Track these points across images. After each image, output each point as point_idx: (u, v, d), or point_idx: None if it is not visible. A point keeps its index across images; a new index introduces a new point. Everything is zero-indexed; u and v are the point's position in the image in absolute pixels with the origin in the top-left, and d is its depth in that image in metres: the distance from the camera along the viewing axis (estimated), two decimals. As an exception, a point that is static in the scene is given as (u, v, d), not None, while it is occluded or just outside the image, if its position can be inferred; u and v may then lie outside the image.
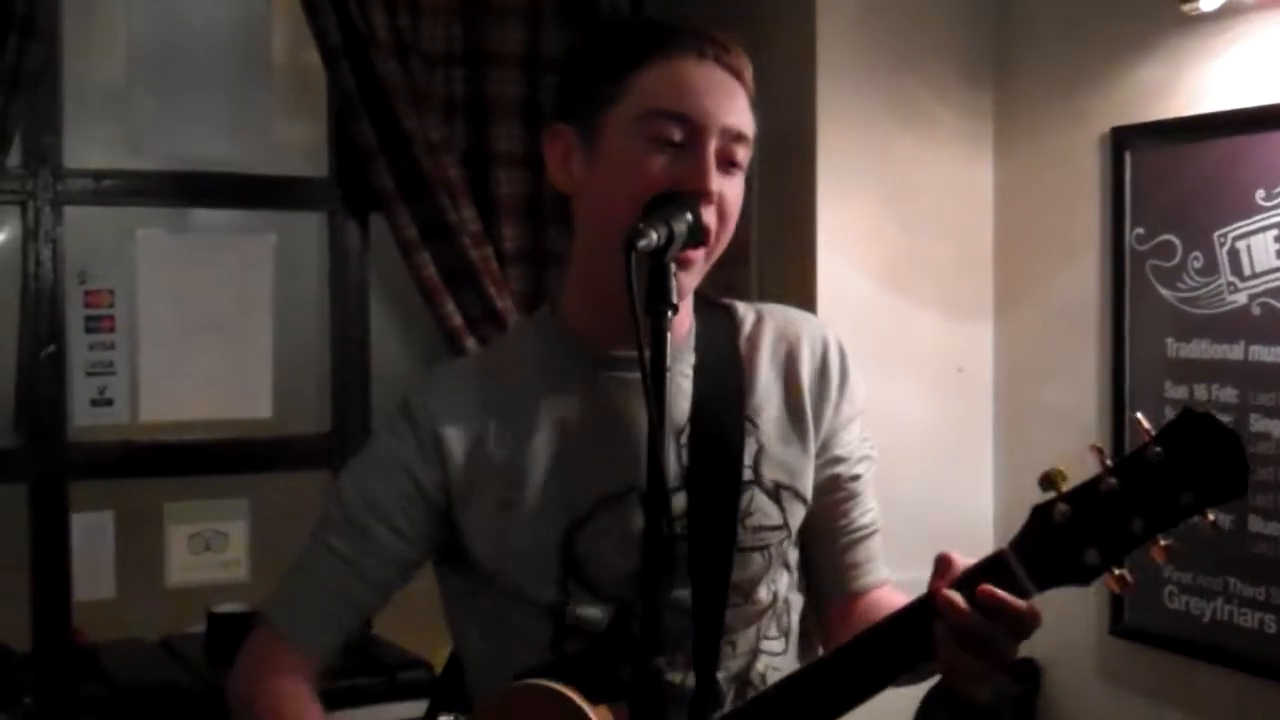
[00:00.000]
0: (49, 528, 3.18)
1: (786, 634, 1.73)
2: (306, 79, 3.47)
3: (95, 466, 3.27)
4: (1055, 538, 1.36)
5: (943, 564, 1.42)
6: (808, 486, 1.71)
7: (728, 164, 1.58)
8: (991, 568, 1.38)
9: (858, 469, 1.76)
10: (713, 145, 1.56)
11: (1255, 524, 2.47)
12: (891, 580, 1.79)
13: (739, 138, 1.59)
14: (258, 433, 3.44)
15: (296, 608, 1.69)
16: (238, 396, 3.42)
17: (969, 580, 1.38)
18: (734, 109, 1.59)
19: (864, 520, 1.77)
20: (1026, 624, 1.37)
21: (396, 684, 3.07)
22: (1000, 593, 1.36)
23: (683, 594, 1.61)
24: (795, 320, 1.77)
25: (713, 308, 1.75)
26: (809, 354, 1.73)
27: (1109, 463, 1.35)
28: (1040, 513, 1.38)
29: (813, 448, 1.72)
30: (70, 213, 3.20)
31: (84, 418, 3.27)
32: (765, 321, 1.75)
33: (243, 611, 3.17)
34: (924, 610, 1.40)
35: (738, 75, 1.61)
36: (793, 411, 1.71)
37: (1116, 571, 1.35)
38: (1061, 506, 1.36)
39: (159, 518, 3.38)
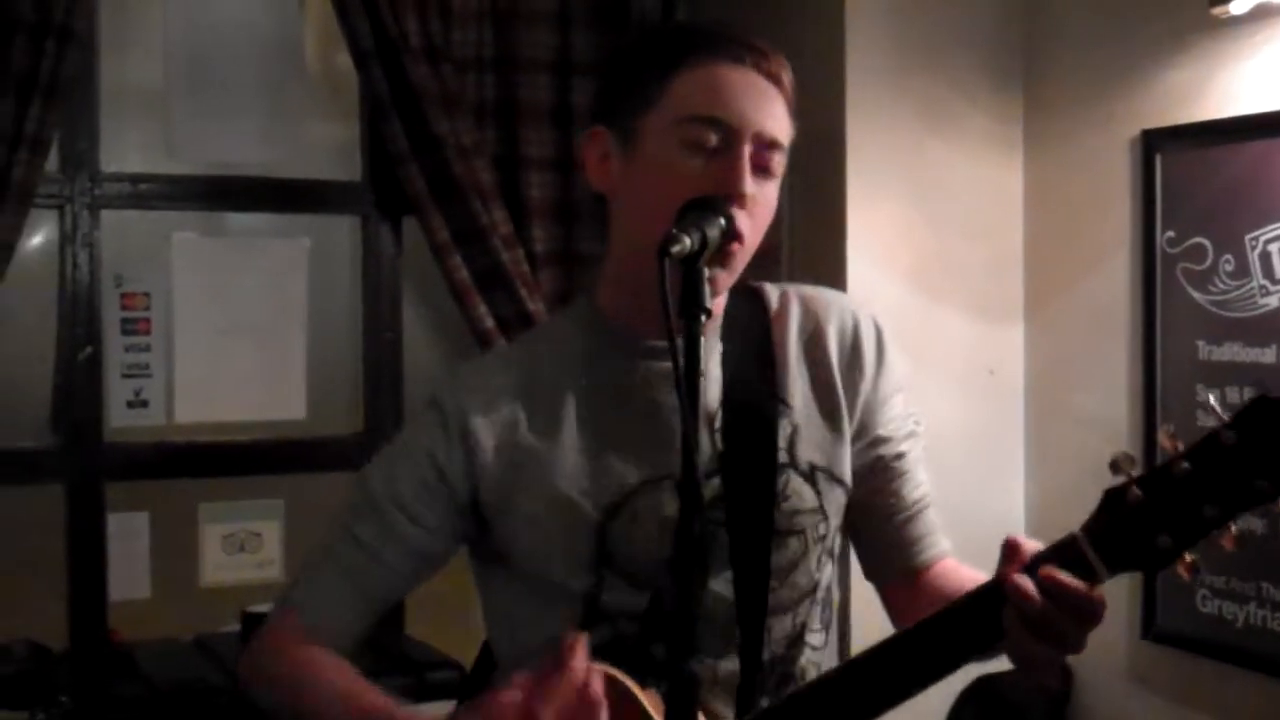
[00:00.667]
0: (85, 528, 3.21)
1: (828, 628, 1.73)
2: (339, 83, 3.50)
3: (131, 467, 3.30)
4: (1128, 521, 1.35)
5: (1010, 549, 1.42)
6: (845, 470, 1.70)
7: (762, 170, 1.59)
8: (1063, 551, 1.37)
9: (903, 447, 1.74)
10: (747, 150, 1.57)
11: (1287, 528, 2.47)
12: (949, 552, 1.77)
13: (774, 145, 1.60)
14: (292, 434, 3.46)
15: (316, 592, 1.71)
16: (272, 398, 3.44)
17: (1039, 564, 1.37)
18: (770, 115, 1.59)
19: (916, 495, 1.75)
20: (1091, 610, 1.36)
21: (426, 684, 3.08)
22: (1062, 576, 1.35)
23: (720, 580, 1.62)
24: (823, 299, 1.76)
25: (742, 291, 1.74)
26: (836, 332, 1.73)
27: (1180, 447, 1.34)
28: (1113, 496, 1.37)
29: (848, 429, 1.71)
30: (107, 216, 3.23)
31: (120, 419, 3.30)
32: (792, 302, 1.75)
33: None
34: (993, 595, 1.40)
35: (777, 82, 1.62)
36: (822, 391, 1.70)
37: (1188, 558, 1.35)
38: (1135, 490, 1.35)
39: (194, 518, 3.40)
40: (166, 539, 3.38)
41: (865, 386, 1.72)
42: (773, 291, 1.76)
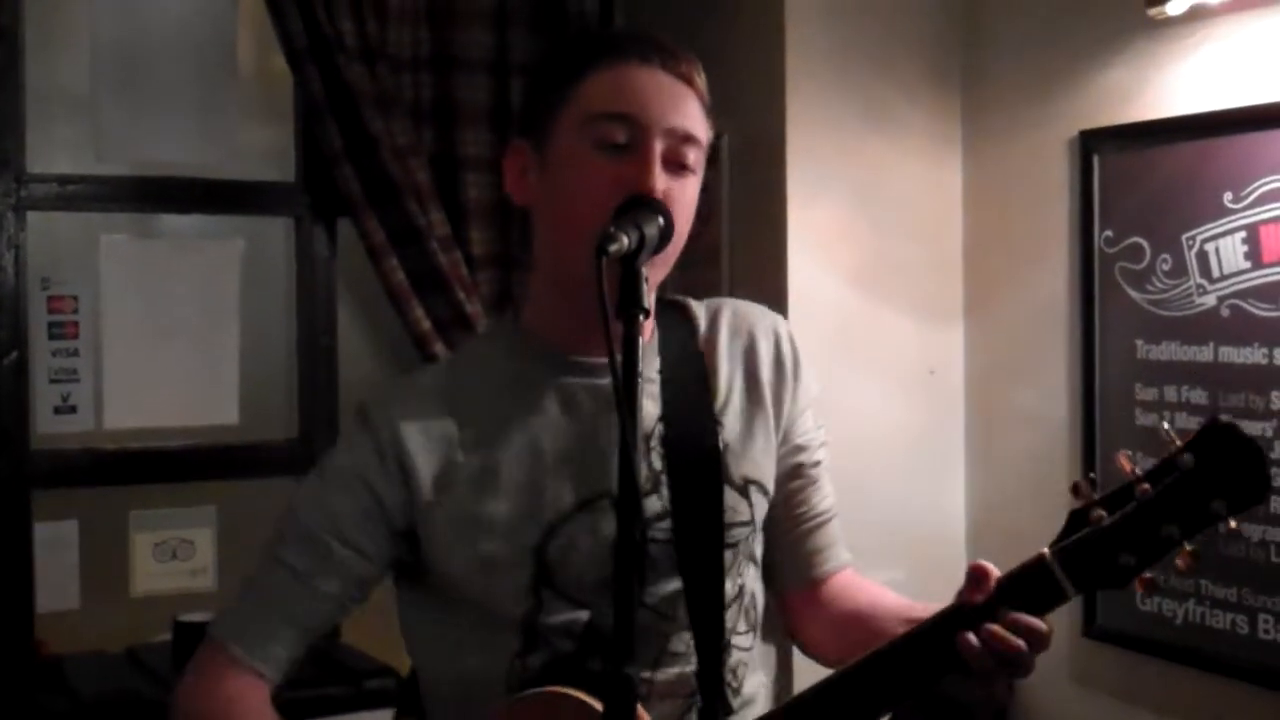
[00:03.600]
0: (11, 537, 3.14)
1: (755, 628, 1.73)
2: (273, 83, 3.46)
3: (59, 474, 3.24)
4: (1092, 541, 1.41)
5: (978, 574, 1.45)
6: (772, 480, 1.73)
7: (677, 166, 1.58)
8: (1031, 570, 1.43)
9: (817, 455, 1.78)
10: (657, 146, 1.56)
11: (1226, 525, 2.48)
12: (851, 563, 1.81)
13: (688, 139, 1.59)
14: (224, 439, 3.42)
15: (248, 626, 1.66)
16: (204, 403, 3.40)
17: (1011, 585, 1.43)
18: (680, 111, 1.59)
19: (824, 505, 1.79)
20: (1047, 639, 1.44)
21: (363, 692, 3.04)
22: (1028, 619, 1.43)
23: (664, 594, 1.61)
24: (753, 313, 1.78)
25: (668, 308, 1.76)
26: (766, 346, 1.75)
27: (1139, 470, 1.40)
28: (1077, 516, 1.43)
29: (775, 440, 1.73)
30: (33, 218, 3.18)
31: (47, 425, 3.24)
32: (720, 318, 1.76)
33: (210, 620, 3.13)
34: (953, 621, 1.44)
35: (687, 81, 1.61)
36: (755, 405, 1.72)
37: (1147, 575, 1.41)
38: (1099, 510, 1.41)
39: (124, 526, 3.35)
40: (96, 547, 3.32)
41: (787, 399, 1.74)
42: (698, 307, 1.77)
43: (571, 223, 1.53)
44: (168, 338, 3.36)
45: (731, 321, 1.75)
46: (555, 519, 1.60)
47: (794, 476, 1.76)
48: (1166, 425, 1.45)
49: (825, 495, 1.79)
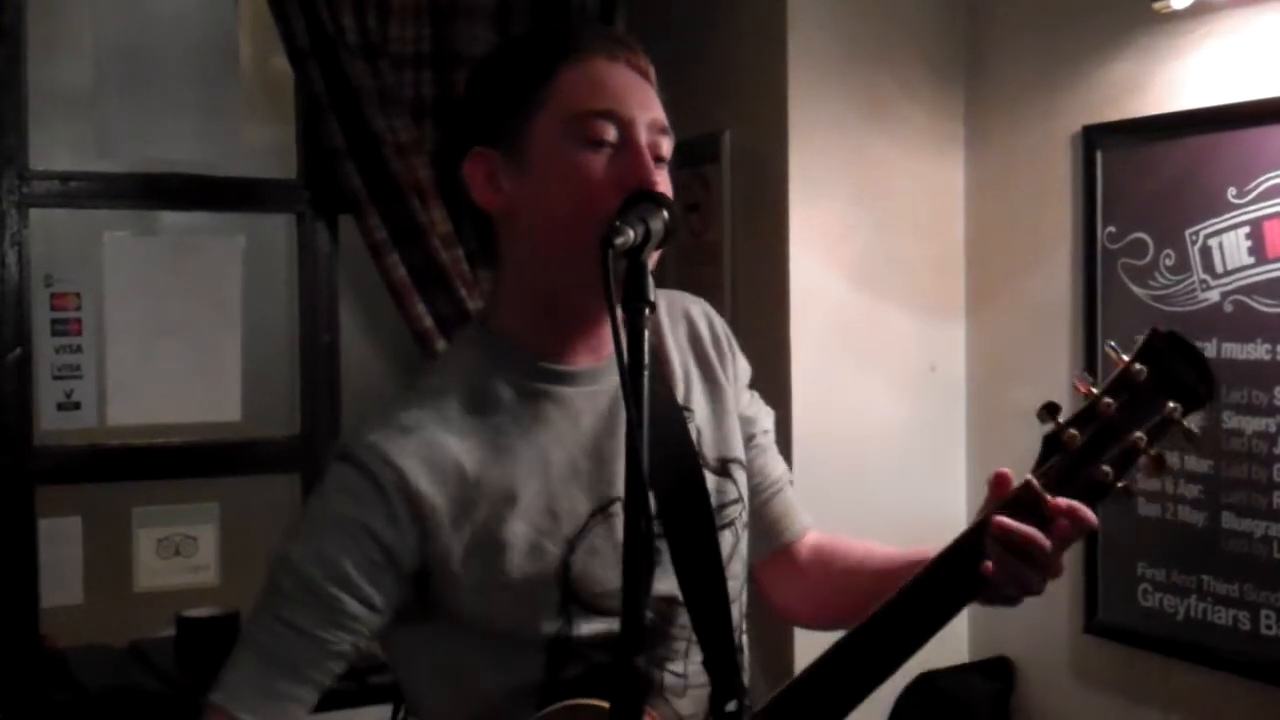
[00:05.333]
0: (15, 533, 3.15)
1: (740, 597, 1.73)
2: (275, 81, 3.46)
3: (62, 471, 3.24)
4: (1069, 460, 1.49)
5: (1001, 478, 1.52)
6: (742, 451, 1.75)
7: (657, 158, 1.58)
8: (1020, 497, 1.49)
9: (765, 424, 1.81)
10: (644, 139, 1.56)
11: (1228, 521, 2.48)
12: (812, 525, 1.85)
13: (664, 130, 1.59)
14: (226, 436, 3.42)
15: (256, 694, 1.53)
16: (206, 400, 3.40)
17: (1003, 510, 1.49)
18: (652, 104, 1.59)
19: (777, 473, 1.82)
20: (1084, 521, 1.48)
21: (367, 688, 3.04)
22: (1069, 503, 1.47)
23: (666, 590, 1.61)
24: (680, 298, 1.79)
25: None
26: (704, 326, 1.76)
27: (1095, 389, 1.50)
28: (1050, 440, 1.51)
29: (734, 412, 1.74)
30: (36, 215, 3.18)
31: (50, 422, 3.24)
32: (658, 307, 1.71)
33: (212, 616, 3.14)
34: (977, 534, 1.50)
35: (646, 76, 1.62)
36: (711, 385, 1.73)
37: (1122, 484, 1.49)
38: (1070, 431, 1.49)
39: (127, 522, 3.35)
40: (99, 543, 3.33)
41: (731, 373, 1.76)
42: None
43: (568, 223, 1.51)
44: (170, 334, 3.36)
45: (668, 309, 1.75)
46: (574, 532, 1.57)
47: (747, 448, 1.77)
48: (1112, 344, 1.56)
49: (778, 463, 1.83)
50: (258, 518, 3.43)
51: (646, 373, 1.39)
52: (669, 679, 1.62)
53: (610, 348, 1.38)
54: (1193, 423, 1.49)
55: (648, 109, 1.58)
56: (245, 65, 3.54)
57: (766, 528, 1.81)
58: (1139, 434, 1.47)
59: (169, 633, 3.20)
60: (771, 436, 1.83)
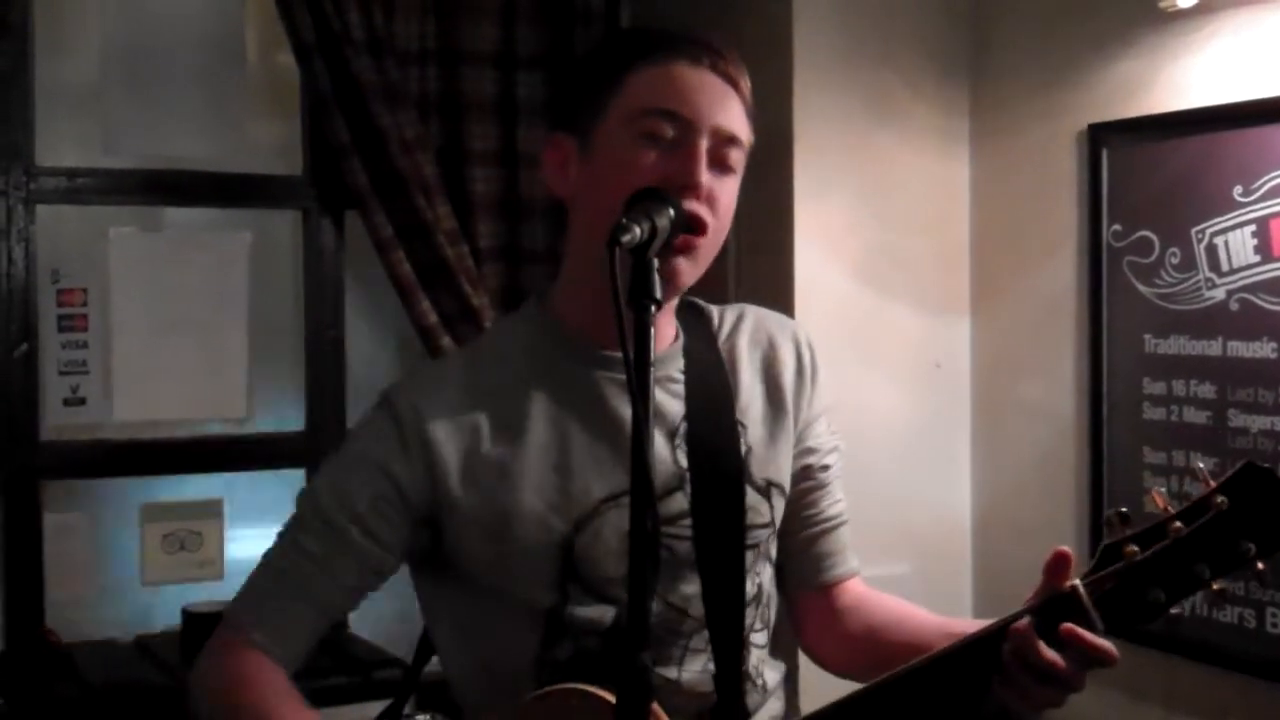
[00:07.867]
0: (21, 528, 3.16)
1: (768, 626, 1.74)
2: (280, 77, 3.46)
3: (68, 466, 3.25)
4: (1124, 575, 1.42)
5: (1062, 560, 1.46)
6: (789, 481, 1.74)
7: (720, 165, 1.60)
8: (1064, 601, 1.43)
9: (828, 459, 1.79)
10: (704, 143, 1.57)
11: (1233, 519, 2.48)
12: (860, 571, 1.82)
13: (731, 140, 1.60)
14: (232, 431, 3.42)
15: (263, 609, 1.65)
16: (212, 395, 3.40)
17: (1042, 614, 1.43)
18: (726, 111, 1.60)
19: (833, 510, 1.80)
20: (1106, 658, 1.42)
21: (371, 682, 3.05)
22: (1082, 632, 1.41)
23: (686, 593, 1.62)
24: (769, 320, 1.80)
25: (689, 310, 1.76)
26: (787, 352, 1.77)
27: (1172, 508, 1.43)
28: (1110, 551, 1.44)
29: (792, 443, 1.74)
30: (43, 211, 3.18)
31: (57, 417, 3.24)
32: (742, 323, 1.77)
33: (218, 610, 3.13)
34: (993, 640, 1.45)
35: (733, 84, 1.62)
36: (776, 410, 1.74)
37: (1174, 611, 1.42)
38: (1131, 547, 1.42)
39: (133, 517, 3.35)
40: (105, 538, 3.33)
41: (805, 405, 1.76)
42: (716, 310, 1.78)
43: (610, 215, 1.50)
44: (176, 330, 3.36)
45: (752, 330, 1.77)
46: (582, 514, 1.60)
47: (803, 478, 1.76)
48: (1200, 464, 1.50)
49: (835, 501, 1.80)
50: (264, 513, 3.43)
51: (677, 376, 1.42)
52: (658, 683, 1.61)
53: (663, 342, 1.46)
54: (1265, 564, 1.41)
55: (718, 116, 1.59)
56: (251, 61, 3.53)
57: (812, 561, 1.80)
58: (1204, 566, 1.40)
59: (175, 627, 3.21)
60: (834, 472, 1.80)
